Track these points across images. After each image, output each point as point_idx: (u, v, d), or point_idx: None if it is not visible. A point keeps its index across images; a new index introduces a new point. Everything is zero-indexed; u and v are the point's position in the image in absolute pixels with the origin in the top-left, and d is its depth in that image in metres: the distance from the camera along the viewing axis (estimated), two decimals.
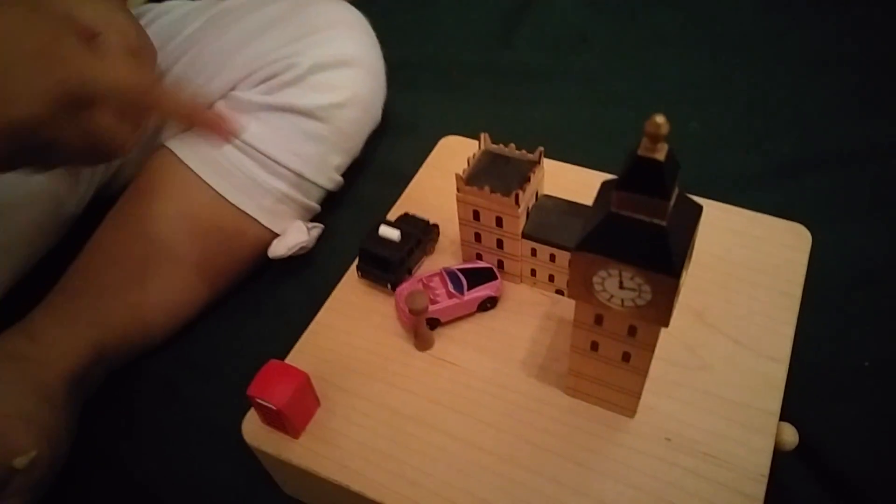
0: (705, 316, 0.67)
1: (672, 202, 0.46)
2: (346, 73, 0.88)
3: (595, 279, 0.49)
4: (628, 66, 1.14)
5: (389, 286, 0.70)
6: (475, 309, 0.69)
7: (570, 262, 0.49)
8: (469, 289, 0.68)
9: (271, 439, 0.63)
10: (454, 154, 0.83)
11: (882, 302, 0.81)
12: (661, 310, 0.49)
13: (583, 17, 1.25)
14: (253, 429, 0.64)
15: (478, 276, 0.69)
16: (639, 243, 0.46)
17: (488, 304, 0.69)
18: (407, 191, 0.81)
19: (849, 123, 1.02)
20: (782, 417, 0.61)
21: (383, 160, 1.02)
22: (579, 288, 0.51)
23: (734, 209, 0.75)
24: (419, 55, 1.21)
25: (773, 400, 0.61)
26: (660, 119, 0.42)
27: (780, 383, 0.62)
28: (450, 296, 0.67)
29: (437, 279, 0.69)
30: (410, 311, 0.62)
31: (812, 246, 0.72)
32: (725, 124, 1.03)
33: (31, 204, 0.81)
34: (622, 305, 0.50)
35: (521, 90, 1.14)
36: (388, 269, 0.70)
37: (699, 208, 0.49)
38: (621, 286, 0.49)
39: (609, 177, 0.49)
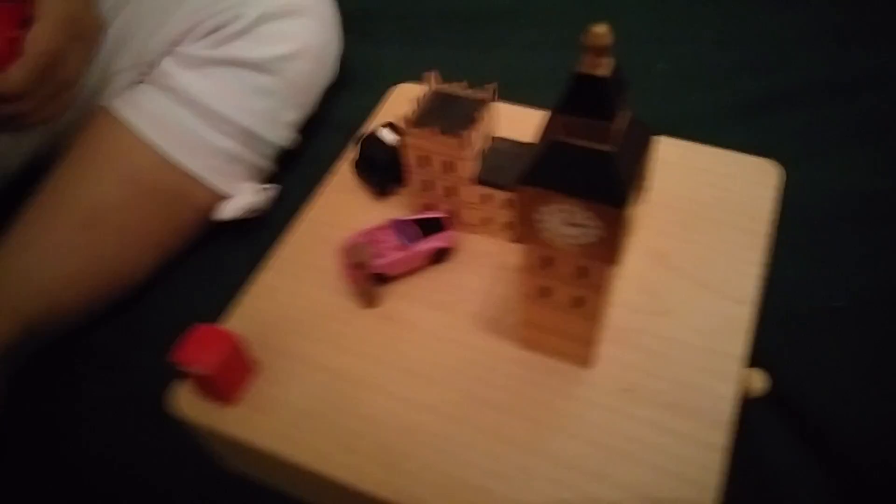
0: (667, 259, 0.63)
1: (621, 126, 0.41)
2: (296, 23, 0.82)
3: (539, 217, 0.45)
4: (592, 7, 1.09)
5: (379, 190, 0.66)
6: (426, 262, 0.64)
7: (512, 199, 0.45)
8: (419, 240, 0.63)
9: (204, 410, 0.58)
10: (407, 102, 0.78)
11: (855, 241, 0.78)
12: (610, 246, 0.44)
13: None
14: (184, 400, 0.59)
15: (429, 227, 0.64)
16: (583, 173, 0.42)
17: (441, 256, 0.64)
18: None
19: (818, 59, 0.98)
20: (754, 364, 0.58)
21: (340, 114, 0.97)
22: (525, 227, 0.47)
23: (700, 147, 0.71)
24: (375, 3, 1.15)
25: (738, 344, 0.58)
26: (600, 29, 0.37)
27: (745, 326, 0.58)
28: (398, 248, 0.63)
29: (385, 231, 0.65)
30: (353, 264, 0.58)
31: (785, 185, 0.68)
32: (693, 63, 0.99)
33: None
34: (570, 244, 0.46)
35: (481, 36, 1.09)
36: (378, 172, 0.66)
37: (650, 133, 0.45)
38: (568, 223, 0.45)
39: None
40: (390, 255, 0.62)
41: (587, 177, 0.42)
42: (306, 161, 0.92)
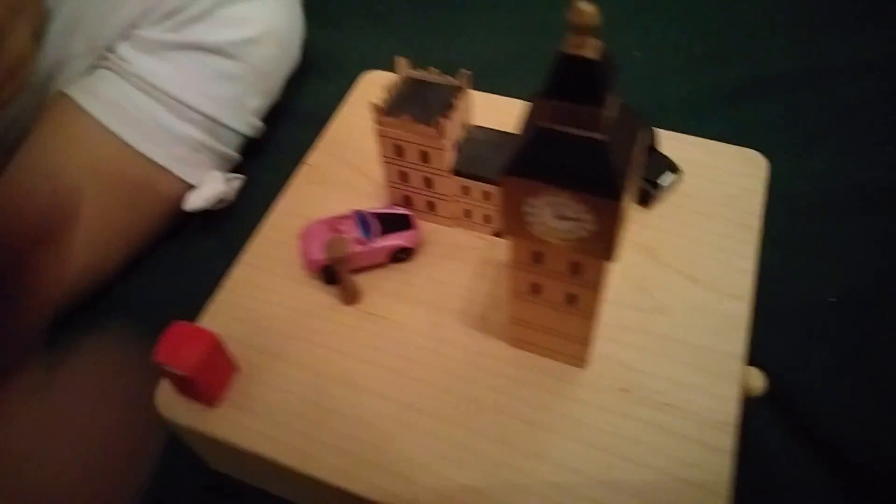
0: (658, 253, 0.61)
1: (612, 112, 0.39)
2: (257, 6, 0.80)
3: (528, 209, 0.42)
4: None
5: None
6: (386, 260, 0.61)
7: (493, 191, 0.42)
8: (379, 236, 0.60)
9: (187, 410, 0.55)
10: (377, 89, 0.76)
11: (842, 232, 0.76)
12: (605, 241, 0.42)
13: None
14: (167, 399, 0.56)
15: (392, 223, 0.61)
16: (574, 162, 0.39)
17: (401, 255, 0.61)
18: (329, 132, 0.73)
19: (795, 47, 0.96)
20: (748, 362, 0.55)
21: (306, 103, 0.94)
22: (512, 221, 0.44)
23: (683, 136, 0.69)
24: None
25: (737, 342, 0.55)
26: (584, 5, 0.35)
27: (743, 323, 0.56)
28: (358, 242, 0.60)
29: (347, 222, 0.62)
30: (330, 259, 0.55)
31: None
32: (669, 52, 0.97)
33: None
34: (562, 239, 0.43)
35: (449, 21, 1.06)
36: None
37: (642, 120, 0.42)
38: (559, 216, 0.42)
39: None
40: (358, 258, 0.60)
41: (579, 167, 0.39)
42: (271, 150, 0.89)
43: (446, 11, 1.08)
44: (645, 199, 0.63)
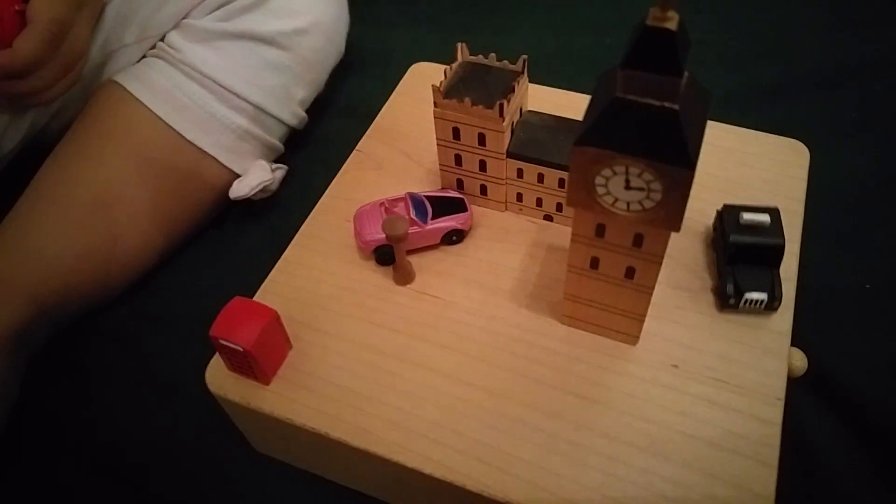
0: (705, 236, 0.62)
1: (684, 84, 0.40)
2: (323, 12, 0.82)
3: (598, 180, 0.44)
4: None
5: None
6: (438, 241, 0.63)
7: (570, 160, 0.44)
8: (433, 218, 0.62)
9: (239, 387, 0.56)
10: (427, 80, 0.77)
11: (877, 223, 0.78)
12: (672, 211, 0.43)
13: None
14: (218, 376, 0.57)
15: (446, 206, 0.63)
16: (649, 132, 0.41)
17: (454, 237, 0.63)
18: (377, 119, 0.75)
19: (832, 43, 0.98)
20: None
21: (349, 96, 0.96)
22: (580, 192, 0.45)
23: (727, 127, 0.70)
24: None
25: (784, 320, 0.57)
26: None
27: (789, 303, 0.57)
28: (411, 223, 0.61)
29: (400, 204, 0.63)
30: (389, 237, 0.56)
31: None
32: (707, 48, 0.99)
33: None
34: (628, 209, 0.45)
35: (491, 20, 1.08)
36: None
37: (708, 93, 0.44)
38: (628, 186, 0.43)
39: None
40: (412, 239, 0.61)
41: (654, 136, 0.41)
42: (314, 142, 0.91)
43: (487, 10, 1.10)
44: None
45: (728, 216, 0.58)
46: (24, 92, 0.66)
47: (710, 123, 0.69)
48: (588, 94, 0.44)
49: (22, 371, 0.68)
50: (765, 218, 0.58)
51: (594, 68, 0.50)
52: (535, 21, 1.07)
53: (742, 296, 0.56)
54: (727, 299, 0.57)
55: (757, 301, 0.56)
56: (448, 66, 0.61)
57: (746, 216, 0.58)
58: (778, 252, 0.57)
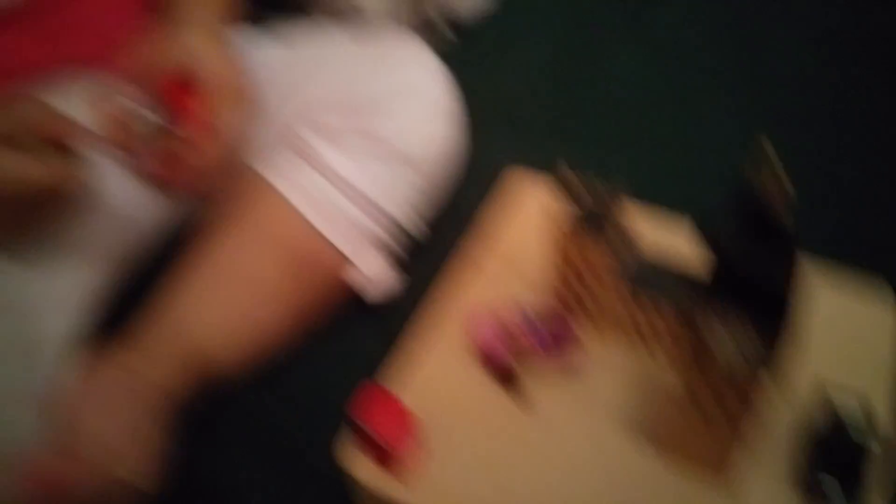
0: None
1: None
2: (438, 125, 0.89)
3: (708, 336, 0.52)
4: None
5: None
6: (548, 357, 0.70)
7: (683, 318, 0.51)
8: (550, 343, 0.69)
9: (373, 473, 0.63)
10: (522, 187, 0.86)
11: None
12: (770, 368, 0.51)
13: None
14: (349, 453, 0.64)
15: (557, 329, 0.70)
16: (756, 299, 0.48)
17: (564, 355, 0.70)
18: (481, 227, 0.84)
19: None
20: None
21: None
22: (693, 344, 0.53)
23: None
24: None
25: None
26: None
27: None
28: (533, 348, 0.69)
29: (515, 324, 0.70)
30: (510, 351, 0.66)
31: None
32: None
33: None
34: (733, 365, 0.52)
35: (578, 130, 1.14)
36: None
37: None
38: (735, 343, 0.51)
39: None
40: (526, 356, 0.69)
41: (759, 302, 0.48)
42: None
43: (577, 122, 1.15)
44: None
45: None
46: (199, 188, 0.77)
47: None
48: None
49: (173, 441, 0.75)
50: None
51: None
52: (623, 136, 1.12)
53: None
54: None
55: None
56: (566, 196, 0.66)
57: None
58: None
